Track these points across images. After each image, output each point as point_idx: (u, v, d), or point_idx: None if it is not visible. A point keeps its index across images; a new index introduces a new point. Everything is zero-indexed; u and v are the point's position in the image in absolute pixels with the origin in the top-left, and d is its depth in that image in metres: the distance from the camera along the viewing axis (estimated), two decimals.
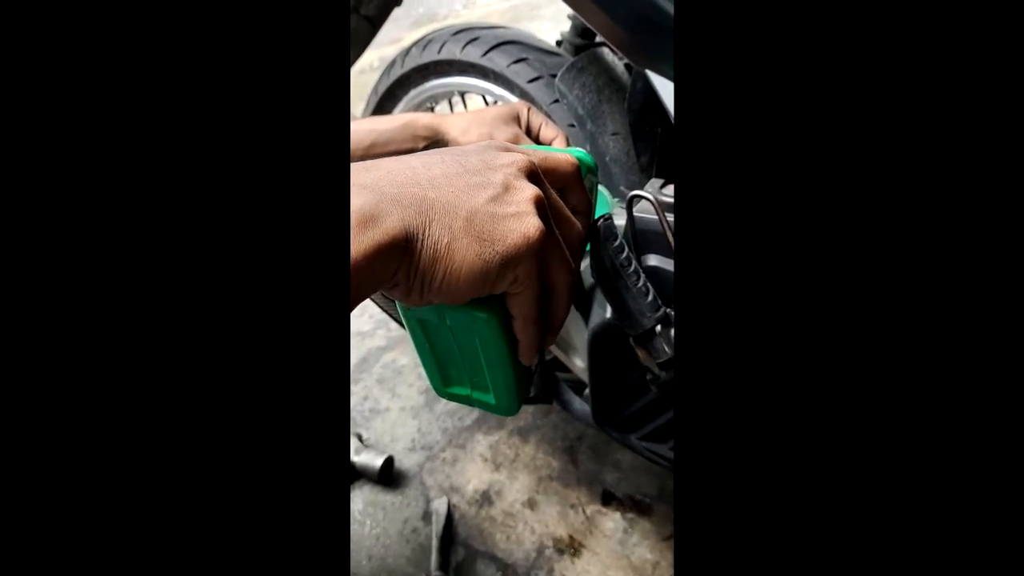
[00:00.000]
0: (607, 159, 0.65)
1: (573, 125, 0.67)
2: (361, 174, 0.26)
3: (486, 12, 3.10)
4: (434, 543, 0.85)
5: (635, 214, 0.48)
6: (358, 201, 0.24)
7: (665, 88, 0.43)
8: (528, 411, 1.04)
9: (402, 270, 0.25)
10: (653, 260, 0.51)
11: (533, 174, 0.30)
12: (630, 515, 0.88)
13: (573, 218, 0.32)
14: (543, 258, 0.28)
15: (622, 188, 0.65)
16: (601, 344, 0.55)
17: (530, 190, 0.28)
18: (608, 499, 0.90)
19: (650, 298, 0.42)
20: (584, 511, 0.89)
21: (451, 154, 0.29)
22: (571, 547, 0.85)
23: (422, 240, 0.25)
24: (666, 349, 0.43)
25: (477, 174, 0.28)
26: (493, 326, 0.30)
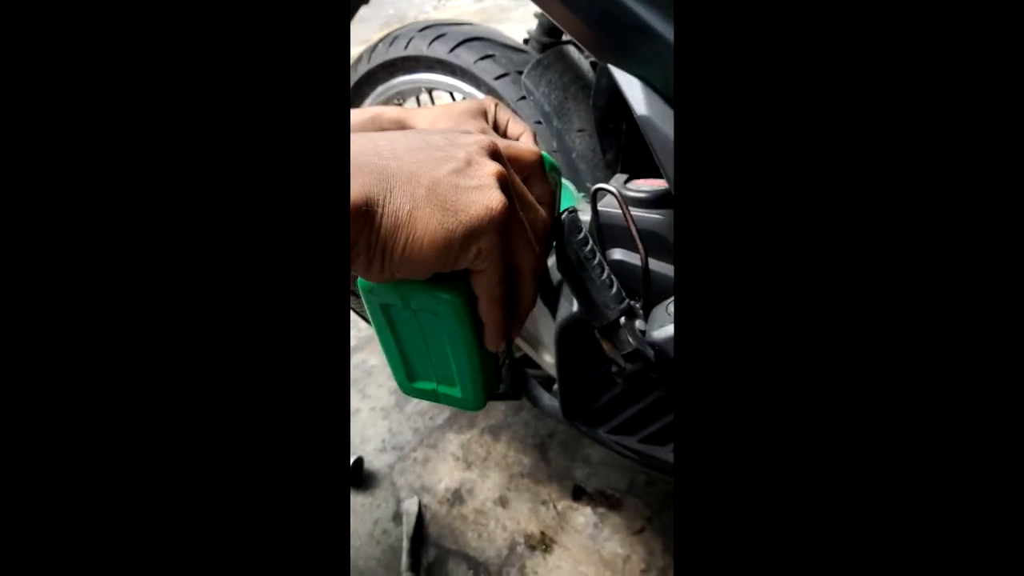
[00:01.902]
0: (573, 155, 0.65)
1: (540, 122, 0.67)
2: None
3: (456, 14, 3.10)
4: (405, 544, 0.84)
5: (600, 208, 0.49)
6: None
7: (628, 83, 0.44)
8: (499, 409, 1.04)
9: (362, 238, 0.25)
10: (618, 254, 0.52)
11: (496, 154, 0.30)
12: (600, 510, 0.88)
13: (537, 204, 0.32)
14: (507, 237, 0.28)
15: (588, 184, 0.66)
16: (568, 338, 0.55)
17: (493, 166, 0.28)
18: (579, 494, 0.90)
19: (614, 290, 0.43)
20: (555, 507, 0.89)
21: (414, 132, 0.29)
22: (543, 543, 0.85)
23: (383, 207, 0.25)
24: (630, 341, 0.44)
25: (440, 149, 0.28)
26: (457, 307, 0.30)
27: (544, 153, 0.41)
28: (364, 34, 2.88)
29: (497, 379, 0.38)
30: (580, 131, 0.65)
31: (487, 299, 0.30)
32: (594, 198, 0.45)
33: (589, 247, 0.41)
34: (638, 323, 0.45)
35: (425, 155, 0.27)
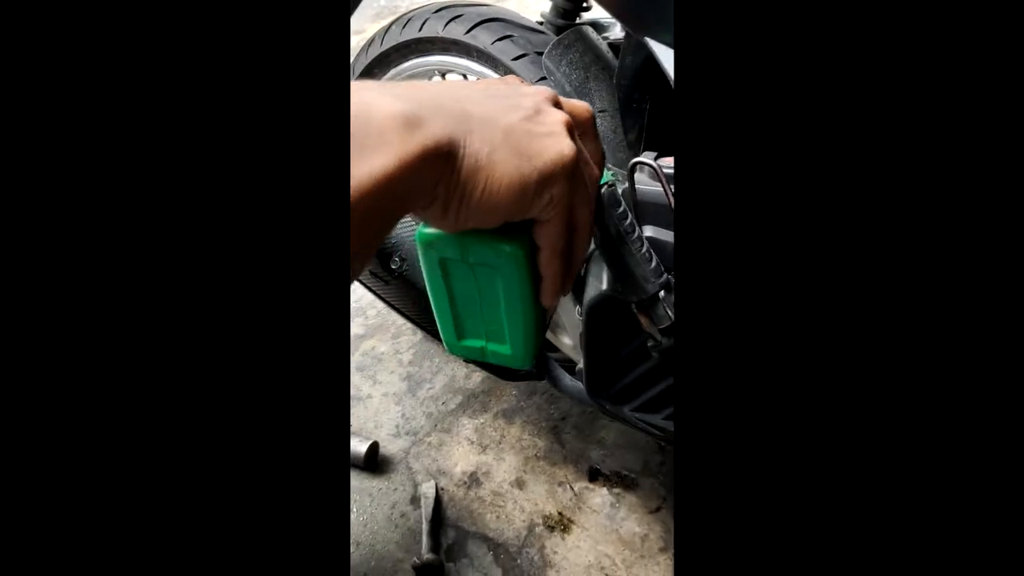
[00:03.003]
0: None
1: None
2: (391, 88, 0.25)
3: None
4: (424, 526, 0.85)
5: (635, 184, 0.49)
6: (399, 106, 0.23)
7: (666, 55, 0.44)
8: (511, 393, 1.05)
9: (443, 181, 0.25)
10: (649, 231, 0.52)
11: (559, 104, 0.30)
12: (617, 490, 0.89)
13: (591, 161, 0.32)
14: (572, 187, 0.28)
15: (609, 164, 0.66)
16: (598, 316, 0.55)
17: (560, 114, 0.28)
18: (595, 475, 0.91)
19: (653, 264, 0.43)
20: (572, 488, 0.90)
21: (474, 83, 0.29)
22: (560, 524, 0.86)
23: (464, 148, 0.25)
24: (669, 314, 0.44)
25: (506, 98, 0.28)
26: (519, 260, 0.30)
27: None
28: (356, 25, 2.84)
29: (543, 335, 0.39)
30: (601, 111, 0.65)
31: (550, 251, 0.30)
32: (631, 172, 0.45)
33: (629, 221, 0.41)
34: (673, 300, 0.45)
35: (494, 103, 0.27)
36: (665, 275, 0.44)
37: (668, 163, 0.52)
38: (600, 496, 0.89)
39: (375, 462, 0.95)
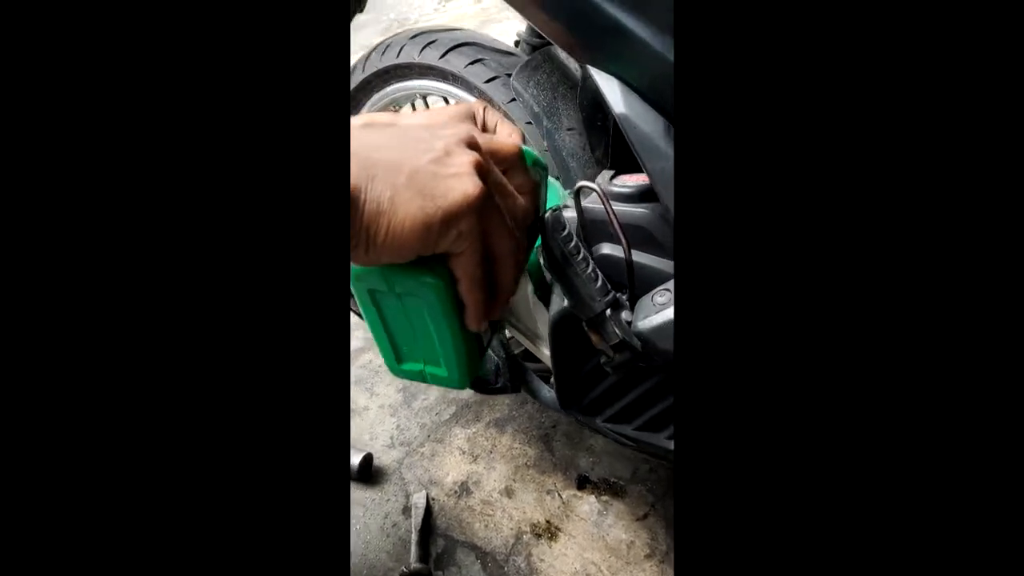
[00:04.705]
0: (564, 154, 0.67)
1: (530, 122, 0.69)
2: None
3: (458, 15, 3.11)
4: (413, 536, 0.87)
5: (585, 205, 0.51)
6: None
7: (606, 82, 0.45)
8: (504, 403, 1.07)
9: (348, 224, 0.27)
10: (606, 248, 0.54)
11: (473, 144, 0.32)
12: (604, 497, 0.90)
13: (516, 193, 0.34)
14: (484, 221, 0.30)
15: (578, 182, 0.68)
16: (561, 332, 0.57)
17: (470, 155, 0.30)
18: (583, 483, 0.92)
19: (599, 284, 0.44)
20: (560, 496, 0.91)
21: (397, 127, 0.31)
22: (548, 531, 0.87)
23: (365, 193, 0.27)
24: (617, 332, 0.46)
25: (420, 140, 0.30)
26: (440, 290, 0.32)
27: (529, 149, 0.43)
28: (364, 40, 2.89)
29: (481, 357, 0.40)
30: (569, 130, 0.67)
31: (467, 280, 0.32)
32: (577, 195, 0.47)
33: (573, 243, 0.43)
34: (624, 314, 0.47)
35: (405, 146, 0.29)
36: (612, 294, 0.46)
37: (623, 181, 0.54)
38: (588, 504, 0.90)
39: (369, 473, 0.97)
